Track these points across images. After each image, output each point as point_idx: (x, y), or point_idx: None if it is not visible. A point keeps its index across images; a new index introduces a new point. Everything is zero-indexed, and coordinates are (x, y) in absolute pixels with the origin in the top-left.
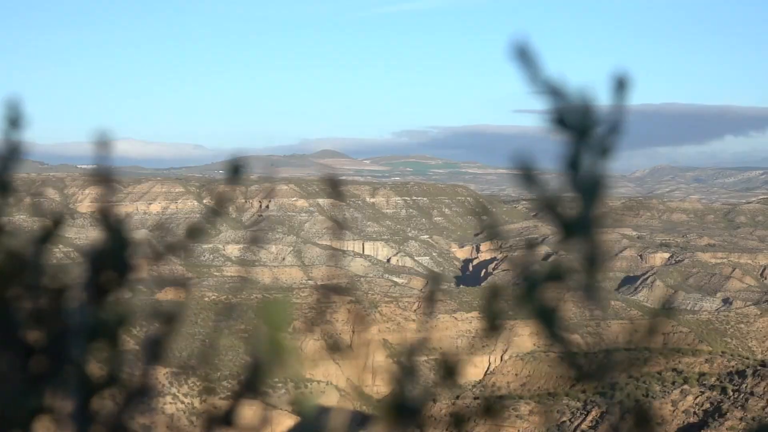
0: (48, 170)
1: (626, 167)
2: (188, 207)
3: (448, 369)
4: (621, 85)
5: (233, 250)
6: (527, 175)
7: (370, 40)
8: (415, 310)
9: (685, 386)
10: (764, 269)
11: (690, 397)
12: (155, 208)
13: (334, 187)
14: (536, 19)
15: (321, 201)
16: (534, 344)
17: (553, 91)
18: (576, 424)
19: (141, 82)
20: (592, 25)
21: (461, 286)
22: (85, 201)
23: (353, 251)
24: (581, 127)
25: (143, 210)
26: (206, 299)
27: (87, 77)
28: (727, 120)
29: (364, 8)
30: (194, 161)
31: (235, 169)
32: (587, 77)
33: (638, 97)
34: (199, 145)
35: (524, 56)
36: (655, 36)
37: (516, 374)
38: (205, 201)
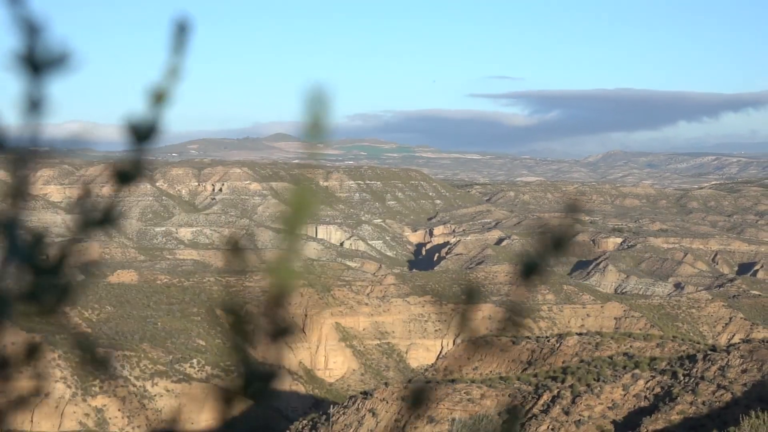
0: None
1: (579, 152)
2: (141, 190)
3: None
4: (182, 29)
5: (186, 233)
6: None
7: (324, 24)
8: (368, 294)
9: (636, 370)
10: (716, 254)
11: (641, 382)
12: (107, 190)
13: (85, 196)
14: (492, 3)
15: (274, 184)
16: (487, 328)
17: (30, 27)
18: (528, 407)
19: (91, 63)
20: (547, 7)
21: (414, 270)
22: (38, 183)
23: (306, 235)
24: (43, 64)
25: (96, 193)
26: (159, 282)
27: None
28: (680, 106)
29: None
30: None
31: None
32: (541, 60)
33: (592, 83)
34: None
35: None
36: (610, 22)
37: (468, 358)
38: (157, 184)
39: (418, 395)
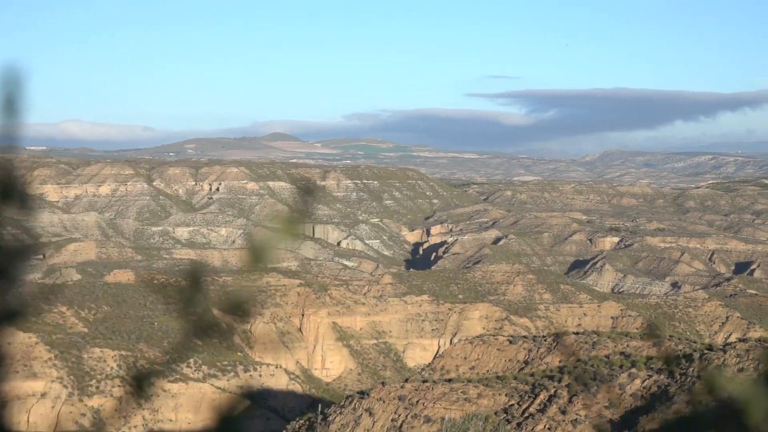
0: None
1: (576, 152)
2: (138, 189)
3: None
4: None
5: (183, 232)
6: None
7: (322, 23)
8: (365, 294)
9: (633, 370)
10: (713, 254)
11: (637, 381)
12: (105, 190)
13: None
14: (490, 2)
15: (271, 184)
16: (483, 328)
17: None
18: (524, 407)
19: (89, 63)
20: (545, 7)
21: (411, 269)
22: (34, 183)
23: (303, 234)
24: None
25: (92, 192)
26: (156, 282)
27: (33, 56)
28: (677, 105)
29: None
30: (144, 143)
31: None
32: (538, 59)
33: (589, 82)
34: (149, 126)
35: None
36: (607, 21)
37: (465, 357)
38: (154, 183)
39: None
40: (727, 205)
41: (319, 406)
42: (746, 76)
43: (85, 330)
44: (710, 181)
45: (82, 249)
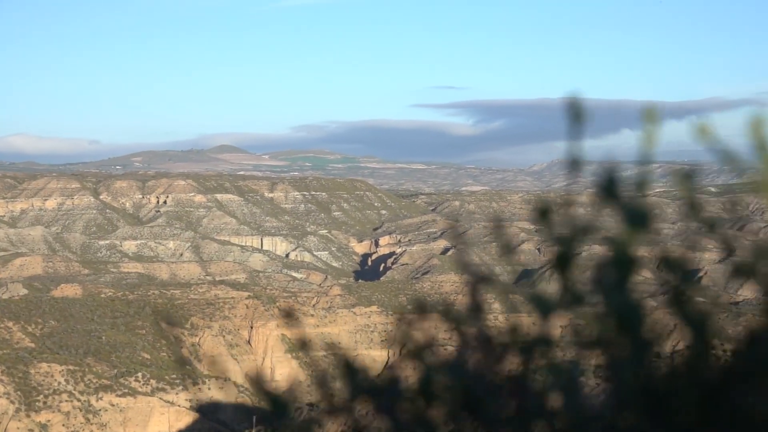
0: None
1: (524, 161)
2: (84, 203)
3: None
4: None
5: (130, 246)
6: None
7: (268, 35)
8: (314, 305)
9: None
10: (660, 262)
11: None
12: (51, 204)
13: None
14: (432, 12)
15: (219, 196)
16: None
17: None
18: None
19: (35, 76)
20: (491, 16)
21: (360, 280)
22: None
23: (252, 246)
24: None
25: (39, 206)
26: (103, 296)
27: None
28: (623, 114)
29: (263, 3)
30: (90, 156)
31: None
32: (485, 70)
33: (535, 92)
34: (95, 140)
35: None
36: (553, 31)
37: (415, 368)
38: (101, 197)
39: None
40: (675, 213)
41: (254, 417)
42: (691, 84)
43: (32, 345)
44: (657, 190)
45: (29, 263)
